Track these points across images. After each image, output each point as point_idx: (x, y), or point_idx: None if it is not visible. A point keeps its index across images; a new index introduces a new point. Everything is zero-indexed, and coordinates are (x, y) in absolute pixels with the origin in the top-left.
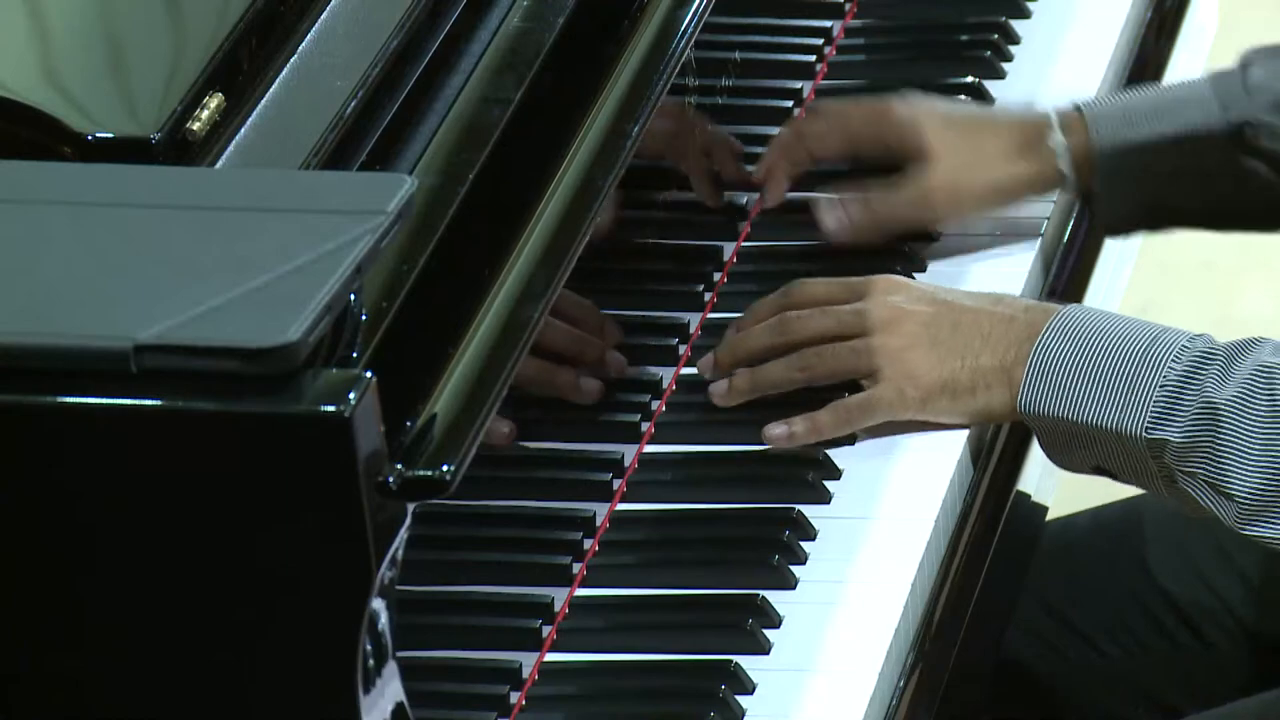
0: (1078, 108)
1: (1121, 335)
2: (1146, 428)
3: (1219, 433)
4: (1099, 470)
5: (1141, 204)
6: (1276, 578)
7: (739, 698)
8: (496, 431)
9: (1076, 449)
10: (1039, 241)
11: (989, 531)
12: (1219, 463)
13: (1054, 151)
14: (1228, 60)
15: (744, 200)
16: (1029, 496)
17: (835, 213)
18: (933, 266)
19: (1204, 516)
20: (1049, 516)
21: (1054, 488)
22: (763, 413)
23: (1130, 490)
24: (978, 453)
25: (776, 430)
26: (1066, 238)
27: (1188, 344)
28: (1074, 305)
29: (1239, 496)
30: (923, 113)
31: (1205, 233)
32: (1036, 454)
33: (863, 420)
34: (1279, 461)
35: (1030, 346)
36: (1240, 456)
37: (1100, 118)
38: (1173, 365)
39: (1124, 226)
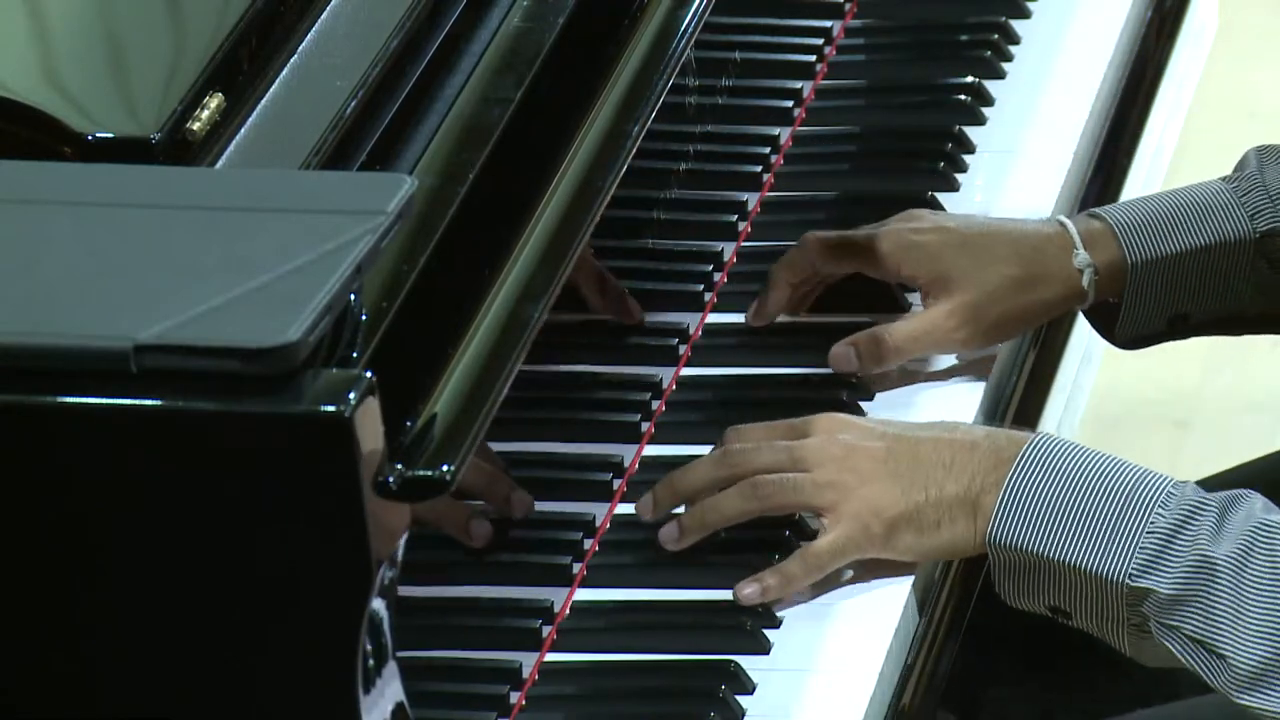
0: (1098, 218)
1: (1102, 474)
2: (1130, 575)
3: (1214, 590)
4: (1055, 611)
5: (1163, 315)
6: None
7: (739, 698)
8: (478, 532)
9: (1038, 587)
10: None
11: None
12: (1212, 621)
13: (1079, 271)
14: (1228, 61)
15: (744, 200)
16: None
17: (843, 349)
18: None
19: (1171, 667)
20: None
21: None
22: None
23: None
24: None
25: (748, 590)
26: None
27: (1174, 490)
28: (1044, 434)
29: (1236, 662)
30: (937, 239)
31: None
32: None
33: (832, 563)
34: None
35: (998, 474)
36: (1237, 618)
37: (1131, 229)
38: (1160, 513)
39: (1143, 340)
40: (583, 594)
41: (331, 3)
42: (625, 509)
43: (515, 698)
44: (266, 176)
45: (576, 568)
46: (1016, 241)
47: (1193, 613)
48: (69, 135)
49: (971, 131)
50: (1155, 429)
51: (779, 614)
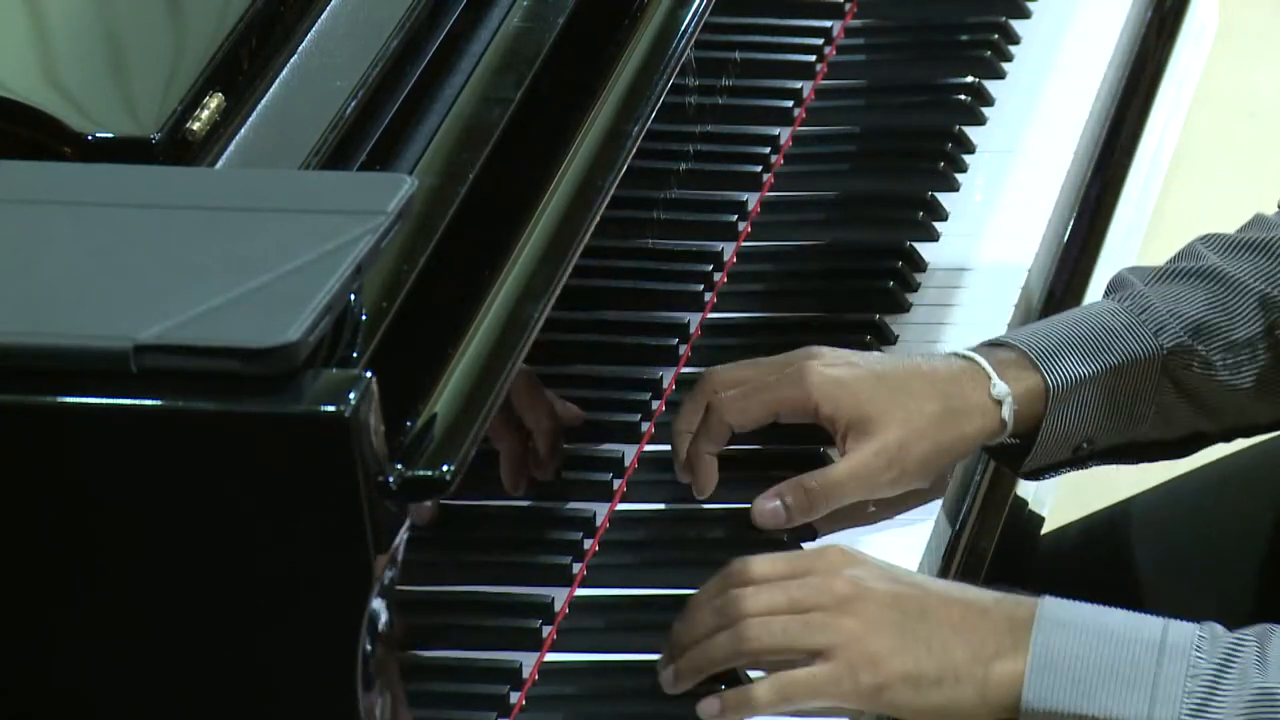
0: (1006, 346)
1: (1127, 627)
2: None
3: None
4: None
5: (1070, 443)
6: (1270, 586)
7: None
8: None
9: None
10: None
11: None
12: None
13: (997, 402)
14: (1228, 60)
15: (744, 200)
16: (1026, 503)
17: (770, 504)
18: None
19: None
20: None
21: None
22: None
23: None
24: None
25: (710, 706)
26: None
27: (1203, 633)
28: (1049, 598)
29: None
30: (852, 376)
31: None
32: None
33: (802, 700)
34: None
35: (1014, 639)
36: None
37: (1047, 354)
38: (1198, 656)
39: (1045, 471)
40: (583, 593)
41: (331, 3)
42: (625, 508)
43: (515, 698)
44: (266, 176)
45: (576, 567)
46: (930, 376)
47: None
48: (69, 135)
49: (971, 131)
50: None
51: None
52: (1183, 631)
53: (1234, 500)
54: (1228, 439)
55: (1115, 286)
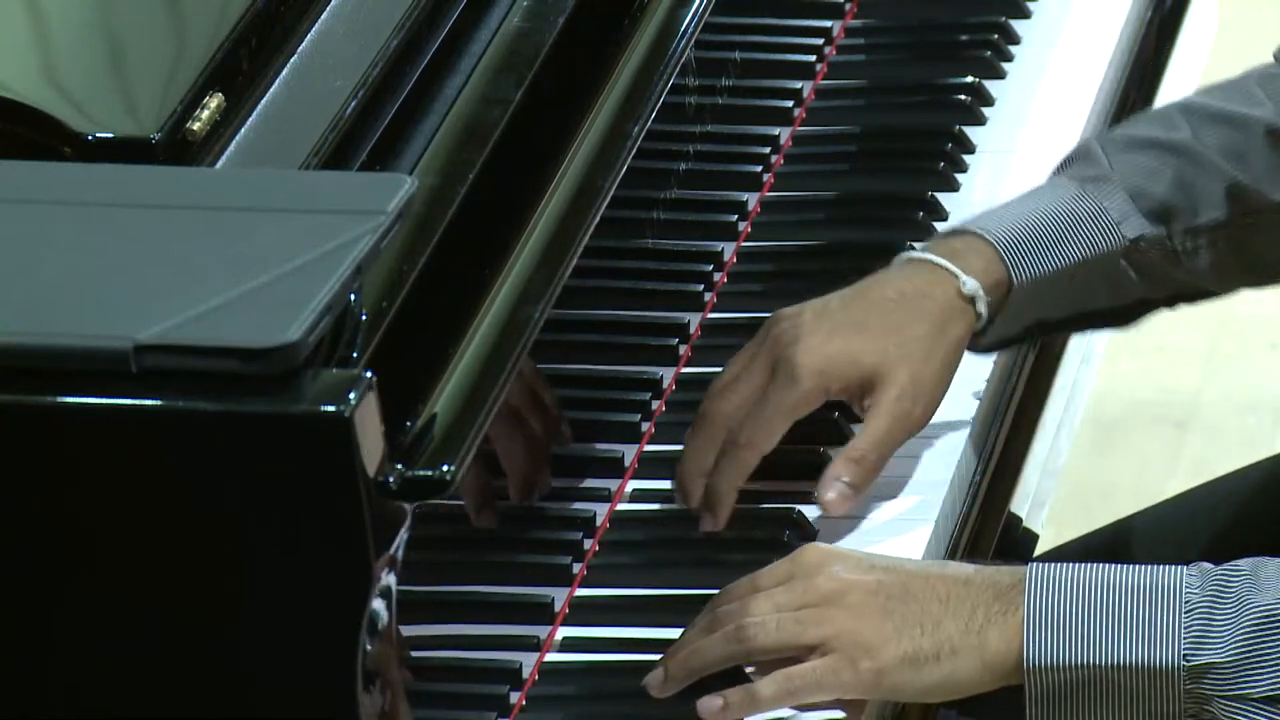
0: (974, 234)
1: (1115, 577)
2: (1185, 655)
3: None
4: None
5: (1024, 323)
6: None
7: None
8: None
9: (1082, 706)
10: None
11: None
12: None
13: (969, 298)
14: (1227, 61)
15: (744, 200)
16: (1020, 521)
17: (831, 492)
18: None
19: None
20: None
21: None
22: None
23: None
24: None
25: (711, 703)
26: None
27: (1193, 572)
28: (1032, 563)
29: None
30: (839, 344)
31: None
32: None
33: (807, 695)
34: None
35: (1002, 604)
36: None
37: (1014, 246)
38: (1191, 591)
39: (998, 346)
40: (583, 593)
41: (331, 3)
42: (625, 508)
43: (515, 698)
44: (266, 176)
45: (576, 568)
46: (901, 301)
47: (1262, 671)
48: (69, 135)
49: (971, 131)
50: (1154, 430)
51: None
52: (1172, 572)
53: (1232, 521)
54: (1171, 305)
55: (1080, 157)
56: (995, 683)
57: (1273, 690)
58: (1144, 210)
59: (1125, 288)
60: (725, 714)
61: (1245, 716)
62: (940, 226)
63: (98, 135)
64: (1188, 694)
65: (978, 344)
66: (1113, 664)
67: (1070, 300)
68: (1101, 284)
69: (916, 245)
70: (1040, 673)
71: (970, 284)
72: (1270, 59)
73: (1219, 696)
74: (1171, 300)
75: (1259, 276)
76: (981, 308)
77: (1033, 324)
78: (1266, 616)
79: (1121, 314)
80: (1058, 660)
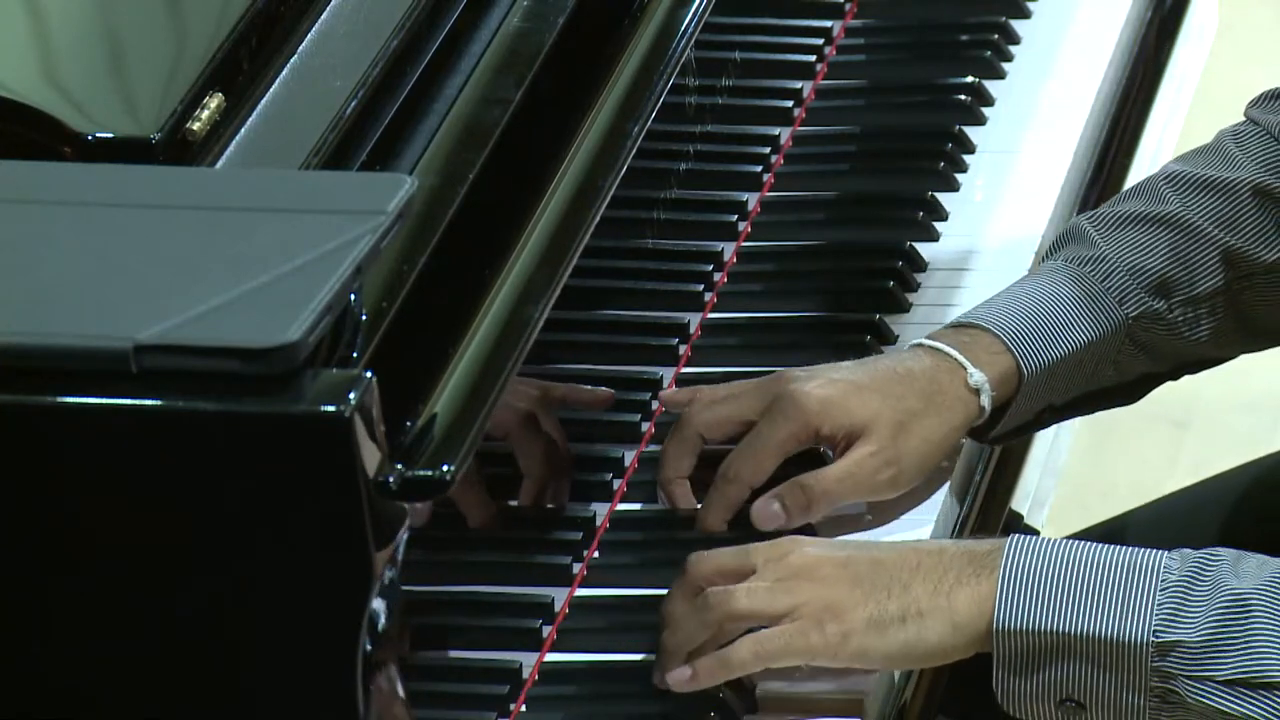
0: (979, 328)
1: (1095, 551)
2: (1155, 631)
3: (1251, 622)
4: (1066, 702)
5: (1034, 410)
6: None
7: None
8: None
9: (1050, 676)
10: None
11: None
12: (1255, 656)
13: (975, 391)
14: (1228, 60)
15: (744, 200)
16: (1021, 518)
17: (770, 506)
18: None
19: None
20: None
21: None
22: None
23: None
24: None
25: (679, 673)
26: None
27: (1173, 555)
28: (1014, 534)
29: None
30: (837, 394)
31: None
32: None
33: (777, 659)
34: None
35: (975, 568)
36: None
37: (1021, 337)
38: (1169, 570)
39: (1012, 435)
40: (583, 593)
41: (331, 3)
42: (625, 509)
43: (515, 698)
44: (266, 176)
45: (576, 568)
46: (907, 378)
47: (1229, 654)
48: (69, 135)
49: (971, 131)
50: (1153, 429)
51: None
52: (1154, 553)
53: (1228, 517)
54: (1175, 378)
55: (1071, 239)
56: (965, 648)
57: (1237, 673)
58: (1143, 286)
59: (1130, 365)
60: (695, 680)
61: (1208, 697)
62: (940, 227)
63: (98, 135)
64: (1154, 670)
65: (984, 437)
66: (1082, 633)
67: (1078, 383)
68: (1107, 363)
69: (927, 338)
70: (1009, 635)
71: (977, 376)
72: (1270, 58)
73: (1184, 675)
74: (1175, 372)
75: (1258, 341)
76: (985, 401)
77: (1043, 409)
78: (1238, 600)
79: (1127, 390)
80: (1027, 624)
